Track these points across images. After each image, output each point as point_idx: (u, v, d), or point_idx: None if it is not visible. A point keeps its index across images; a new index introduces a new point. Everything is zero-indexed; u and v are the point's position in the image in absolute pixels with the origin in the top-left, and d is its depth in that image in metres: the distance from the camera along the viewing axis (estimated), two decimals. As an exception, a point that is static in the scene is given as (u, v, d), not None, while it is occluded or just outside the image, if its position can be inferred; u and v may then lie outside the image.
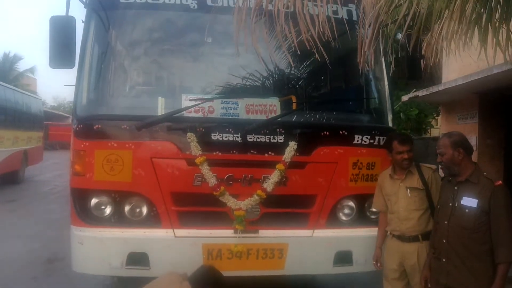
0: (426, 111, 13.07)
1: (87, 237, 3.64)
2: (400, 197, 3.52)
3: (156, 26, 4.13)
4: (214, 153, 3.61)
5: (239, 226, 3.61)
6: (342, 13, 3.94)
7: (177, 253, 3.63)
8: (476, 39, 3.11)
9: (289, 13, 3.20)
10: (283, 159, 3.64)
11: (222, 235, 3.67)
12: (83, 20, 3.91)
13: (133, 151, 3.58)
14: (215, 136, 3.62)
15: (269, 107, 3.88)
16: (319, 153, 3.78)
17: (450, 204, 3.05)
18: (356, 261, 3.86)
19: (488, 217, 2.87)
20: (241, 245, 3.63)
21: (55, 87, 55.76)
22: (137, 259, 3.59)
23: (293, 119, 3.91)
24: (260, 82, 4.17)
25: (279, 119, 3.78)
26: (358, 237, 3.89)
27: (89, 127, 3.60)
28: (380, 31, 3.38)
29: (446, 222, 3.05)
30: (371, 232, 3.84)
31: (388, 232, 3.66)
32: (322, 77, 4.56)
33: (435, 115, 13.58)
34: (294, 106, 4.00)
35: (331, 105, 4.36)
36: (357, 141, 3.87)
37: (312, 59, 4.06)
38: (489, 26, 2.98)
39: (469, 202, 2.93)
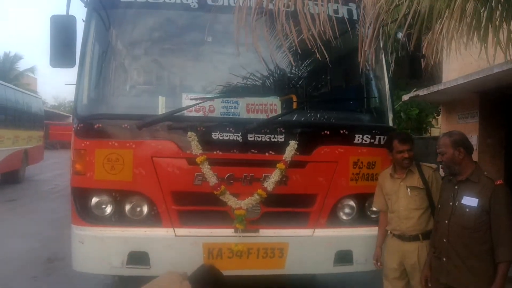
0: (426, 111, 13.07)
1: (88, 236, 3.64)
2: (401, 196, 3.52)
3: (156, 25, 4.13)
4: (215, 152, 3.61)
5: (240, 226, 3.61)
6: (343, 12, 3.94)
7: (177, 252, 3.63)
8: (476, 38, 3.11)
9: (290, 12, 3.19)
10: (283, 158, 3.64)
11: (222, 234, 3.67)
12: (84, 19, 3.91)
13: (134, 150, 3.59)
14: (215, 135, 3.62)
15: (270, 106, 3.88)
16: (320, 152, 3.78)
17: (451, 204, 3.05)
18: (356, 261, 3.86)
19: (488, 217, 2.87)
20: (241, 244, 3.63)
21: (56, 86, 55.86)
22: (138, 258, 3.59)
23: (294, 118, 3.92)
24: (261, 81, 4.17)
25: (280, 118, 3.78)
26: (358, 236, 3.89)
27: (90, 126, 3.60)
28: (381, 30, 3.37)
29: (446, 222, 3.05)
30: (371, 231, 3.84)
31: (389, 231, 3.66)
32: (323, 77, 4.56)
33: (435, 114, 13.58)
34: (294, 106, 4.00)
35: (332, 105, 4.36)
36: (358, 140, 3.87)
37: (312, 58, 4.06)
38: (490, 25, 2.98)
39: (470, 201, 2.93)
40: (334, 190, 3.84)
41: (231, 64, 4.10)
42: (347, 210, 3.96)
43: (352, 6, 4.04)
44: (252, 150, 3.66)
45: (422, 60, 4.18)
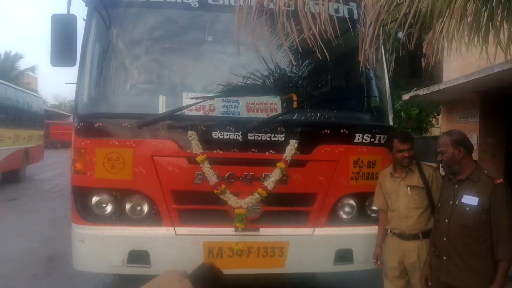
0: (427, 110, 13.07)
1: (88, 235, 3.65)
2: (401, 195, 3.53)
3: (157, 25, 4.13)
4: (215, 151, 3.62)
5: (240, 224, 3.61)
6: (343, 12, 3.94)
7: (178, 251, 3.64)
8: (477, 37, 3.11)
9: (291, 12, 3.19)
10: (283, 157, 3.65)
11: (223, 233, 3.68)
12: (84, 18, 3.91)
13: (134, 149, 3.59)
14: (216, 134, 3.63)
15: (270, 105, 3.88)
16: (320, 151, 3.78)
17: (451, 202, 3.06)
18: (356, 260, 3.87)
19: (488, 215, 2.87)
20: (241, 243, 3.64)
21: (56, 86, 55.88)
22: (138, 257, 3.59)
23: (294, 118, 3.92)
24: (261, 80, 4.17)
25: (280, 117, 3.78)
26: (358, 235, 3.90)
27: (90, 125, 3.61)
28: (381, 30, 3.37)
29: (446, 220, 3.06)
30: (371, 230, 3.84)
31: (389, 230, 3.67)
32: (323, 76, 4.56)
33: (436, 114, 13.58)
34: (295, 105, 4.01)
35: (332, 104, 4.36)
36: (358, 139, 3.87)
37: (313, 57, 4.06)
38: (490, 25, 2.98)
39: (470, 200, 2.94)
40: (334, 189, 3.84)
41: (231, 63, 4.10)
42: (347, 209, 3.96)
43: (353, 5, 4.04)
44: (253, 149, 3.66)
45: (422, 59, 4.18)
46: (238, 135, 3.64)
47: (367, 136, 3.89)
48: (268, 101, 3.90)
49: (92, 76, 3.86)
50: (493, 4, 2.95)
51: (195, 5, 3.89)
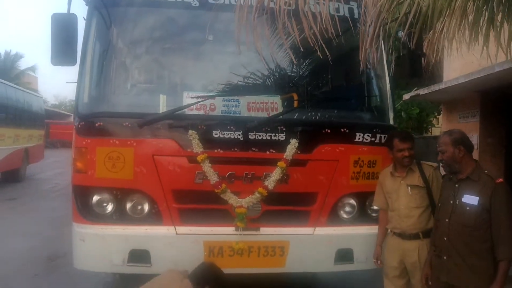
0: (427, 110, 13.08)
1: (89, 234, 3.65)
2: (401, 195, 3.53)
3: (157, 24, 4.13)
4: (216, 150, 3.62)
5: (241, 224, 3.61)
6: (344, 11, 3.94)
7: (178, 251, 3.64)
8: (478, 37, 3.10)
9: (291, 11, 3.19)
10: (284, 156, 3.65)
11: (223, 232, 3.68)
12: (85, 17, 3.91)
13: (135, 148, 3.59)
14: (216, 134, 3.63)
15: (271, 104, 3.89)
16: (321, 151, 3.78)
17: (451, 202, 3.06)
18: (357, 259, 3.87)
19: (489, 215, 2.87)
20: (242, 242, 3.64)
21: (56, 85, 55.92)
22: (139, 256, 3.59)
23: (295, 117, 3.92)
24: (262, 79, 4.17)
25: (281, 116, 3.78)
26: (359, 235, 3.90)
27: (91, 125, 3.61)
28: (381, 29, 3.37)
29: (447, 220, 3.06)
30: (372, 230, 3.84)
31: (389, 230, 3.67)
32: (324, 75, 4.56)
33: (436, 114, 13.58)
34: (295, 104, 4.00)
35: (333, 103, 4.36)
36: (358, 139, 3.87)
37: (313, 57, 4.06)
38: (491, 25, 2.98)
39: (470, 199, 2.94)
40: (334, 189, 3.84)
41: (232, 62, 4.10)
42: (347, 209, 3.96)
43: (353, 4, 4.04)
44: (253, 149, 3.66)
45: (422, 59, 4.17)
46: (239, 135, 3.64)
47: (368, 136, 3.89)
48: (269, 101, 3.90)
49: (92, 75, 3.86)
50: (493, 4, 2.94)
51: (195, 4, 3.89)
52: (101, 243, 3.63)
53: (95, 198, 3.66)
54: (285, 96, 4.01)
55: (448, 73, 9.28)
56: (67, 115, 37.88)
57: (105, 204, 3.67)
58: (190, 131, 3.57)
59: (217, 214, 3.71)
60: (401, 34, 3.88)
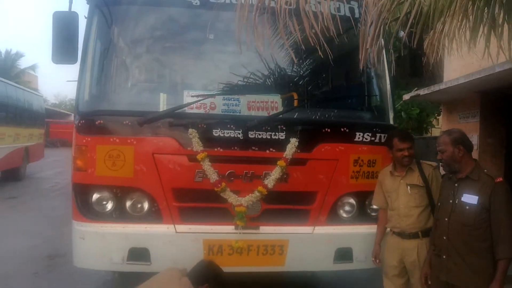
0: (427, 110, 13.08)
1: (89, 232, 3.66)
2: (401, 194, 3.53)
3: (158, 23, 4.14)
4: (216, 149, 3.62)
5: (240, 222, 3.61)
6: (345, 10, 3.95)
7: (178, 249, 3.64)
8: (479, 37, 3.11)
9: (292, 10, 3.20)
10: (284, 155, 3.65)
11: (223, 231, 3.68)
12: (86, 15, 3.92)
13: (135, 146, 3.60)
14: (216, 133, 3.63)
15: (271, 103, 3.89)
16: (320, 150, 3.79)
17: (451, 201, 3.06)
18: (356, 258, 3.88)
19: (488, 214, 2.88)
20: (242, 241, 3.64)
21: (56, 85, 55.94)
22: (138, 254, 3.60)
23: (295, 116, 3.92)
24: (262, 79, 4.17)
25: (281, 116, 3.78)
26: (358, 234, 3.90)
27: (91, 123, 3.62)
28: (382, 29, 3.37)
29: (446, 219, 3.06)
30: (371, 229, 3.85)
31: (388, 229, 3.67)
32: (324, 75, 4.56)
33: (436, 114, 13.58)
34: (295, 103, 4.00)
35: (333, 103, 4.37)
36: (358, 138, 3.87)
37: (314, 56, 4.07)
38: (492, 25, 2.98)
39: (470, 199, 2.94)
40: (334, 188, 3.85)
41: (232, 61, 4.10)
42: (347, 208, 3.97)
43: (354, 4, 4.04)
44: (253, 148, 3.67)
45: (423, 58, 4.18)
46: (239, 133, 3.64)
47: (368, 135, 3.89)
48: (269, 100, 3.90)
49: (93, 74, 3.87)
50: (493, 5, 2.94)
51: (196, 3, 3.89)
52: (101, 241, 3.63)
53: (95, 196, 3.66)
54: (285, 95, 4.01)
55: (449, 73, 9.28)
56: (67, 114, 37.89)
57: (105, 202, 3.68)
58: (190, 130, 3.58)
59: (217, 213, 3.71)
60: (402, 34, 3.88)
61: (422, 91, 8.65)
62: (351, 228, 3.93)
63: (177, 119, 3.68)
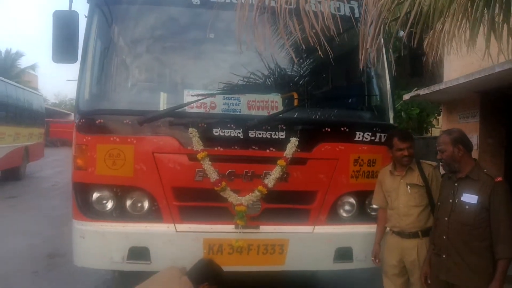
0: (427, 110, 13.08)
1: (89, 231, 3.66)
2: (400, 194, 3.54)
3: (158, 22, 4.14)
4: (216, 148, 3.63)
5: (240, 222, 3.62)
6: (345, 10, 3.95)
7: (178, 248, 3.64)
8: (479, 37, 3.11)
9: (292, 10, 3.20)
10: (284, 155, 3.65)
11: (223, 230, 3.68)
12: (86, 15, 3.92)
13: (135, 146, 3.60)
14: (216, 132, 3.64)
15: (271, 103, 3.89)
16: (320, 149, 3.79)
17: (450, 201, 3.07)
18: (356, 258, 3.88)
19: (488, 214, 2.88)
20: (242, 240, 3.64)
21: (56, 84, 55.94)
22: (138, 253, 3.60)
23: (295, 116, 3.92)
24: (262, 78, 4.17)
25: (281, 115, 3.79)
26: (358, 233, 3.90)
27: (91, 122, 3.62)
28: (382, 29, 3.38)
29: (446, 219, 3.07)
30: (371, 228, 3.85)
31: (388, 228, 3.68)
32: (324, 74, 4.57)
33: (436, 114, 13.58)
34: (295, 103, 4.00)
35: (333, 102, 4.37)
36: (358, 138, 3.88)
37: (314, 56, 4.07)
38: (492, 26, 2.98)
39: (469, 198, 2.95)
40: (334, 187, 3.85)
41: (232, 61, 4.10)
42: (347, 207, 3.97)
43: (354, 3, 4.04)
44: (253, 147, 3.67)
45: (423, 58, 4.18)
46: (239, 133, 3.65)
47: (368, 135, 3.89)
48: (269, 99, 3.91)
49: (93, 73, 3.87)
50: (493, 5, 2.95)
51: (196, 2, 3.90)
52: (101, 240, 3.64)
53: (95, 195, 3.67)
54: (285, 95, 4.01)
55: (448, 73, 9.29)
56: (67, 114, 37.89)
57: (105, 201, 3.68)
58: (191, 129, 3.58)
59: (217, 212, 3.72)
60: (402, 34, 3.88)
61: (422, 91, 8.66)
62: (351, 227, 3.93)
63: (177, 119, 3.68)
